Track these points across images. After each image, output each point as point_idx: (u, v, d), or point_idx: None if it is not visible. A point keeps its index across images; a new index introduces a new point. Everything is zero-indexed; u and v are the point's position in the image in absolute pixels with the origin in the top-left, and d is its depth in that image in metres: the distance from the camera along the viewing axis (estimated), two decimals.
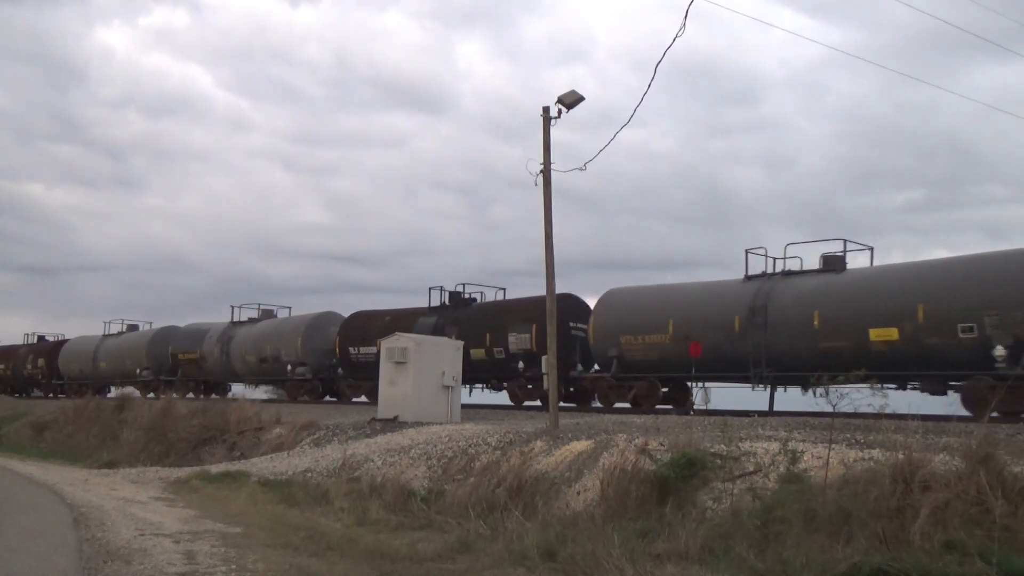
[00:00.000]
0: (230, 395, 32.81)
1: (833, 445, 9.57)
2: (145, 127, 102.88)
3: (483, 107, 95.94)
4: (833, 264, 19.62)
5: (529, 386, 24.22)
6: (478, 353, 24.58)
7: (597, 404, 23.04)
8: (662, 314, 20.82)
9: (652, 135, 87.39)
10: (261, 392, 33.27)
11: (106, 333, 42.24)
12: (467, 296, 27.62)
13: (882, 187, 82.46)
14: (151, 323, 41.91)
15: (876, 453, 9.20)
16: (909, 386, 17.62)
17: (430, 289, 27.85)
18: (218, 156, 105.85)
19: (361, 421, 19.49)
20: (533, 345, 23.36)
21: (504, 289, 27.72)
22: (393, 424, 18.48)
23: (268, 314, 34.96)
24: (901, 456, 8.25)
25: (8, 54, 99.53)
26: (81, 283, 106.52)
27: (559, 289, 16.98)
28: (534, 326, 23.16)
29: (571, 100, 15.10)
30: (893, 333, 16.93)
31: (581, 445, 12.41)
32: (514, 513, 10.40)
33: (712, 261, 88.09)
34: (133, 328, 41.75)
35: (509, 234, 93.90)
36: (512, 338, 24.10)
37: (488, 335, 24.66)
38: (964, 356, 16.08)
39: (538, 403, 23.78)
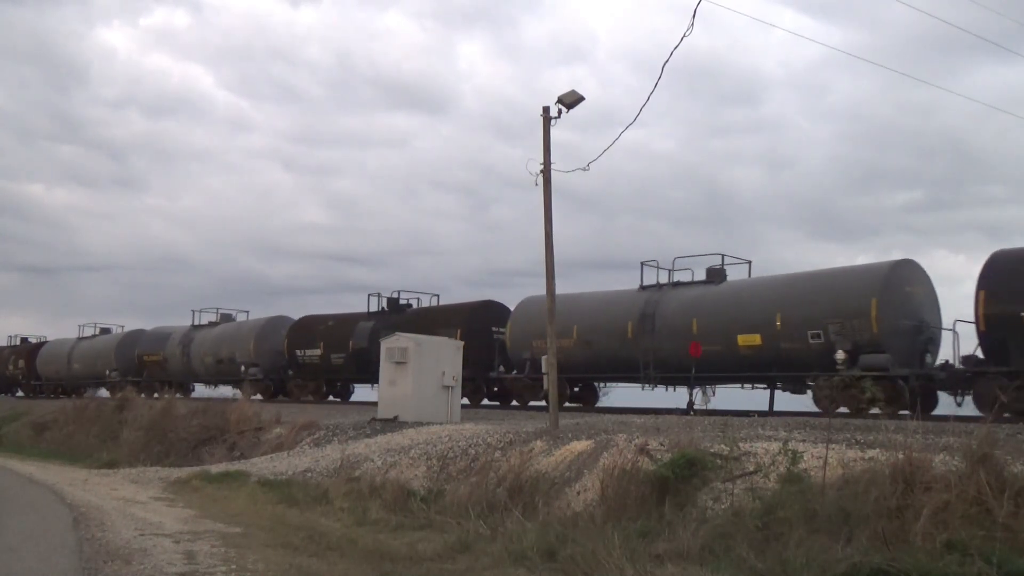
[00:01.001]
0: (193, 395, 34.65)
1: (833, 445, 9.57)
2: (146, 127, 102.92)
3: (484, 107, 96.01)
4: (713, 276, 21.93)
5: None
6: None
7: (515, 403, 24.95)
8: (568, 321, 22.04)
9: (652, 135, 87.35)
10: (221, 391, 34.42)
11: (80, 336, 44.07)
12: (404, 302, 29.66)
13: (882, 187, 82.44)
14: (128, 326, 43.45)
15: (876, 453, 9.19)
16: (779, 386, 19.87)
17: (369, 295, 29.88)
18: (219, 156, 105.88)
19: (361, 421, 19.49)
20: None
21: (438, 296, 29.98)
22: (393, 424, 18.48)
23: (227, 318, 36.70)
24: (901, 456, 8.25)
25: (9, 54, 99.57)
26: (81, 283, 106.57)
27: (559, 290, 17.35)
28: (459, 330, 24.95)
29: (571, 100, 15.09)
30: (756, 339, 19.10)
31: (581, 445, 12.40)
32: (514, 513, 10.40)
33: (712, 261, 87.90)
34: (106, 331, 43.66)
35: (509, 234, 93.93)
36: None
37: None
38: (813, 359, 18.22)
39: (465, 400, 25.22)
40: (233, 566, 8.45)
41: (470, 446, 14.08)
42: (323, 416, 21.62)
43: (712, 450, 10.29)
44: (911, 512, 7.61)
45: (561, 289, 20.80)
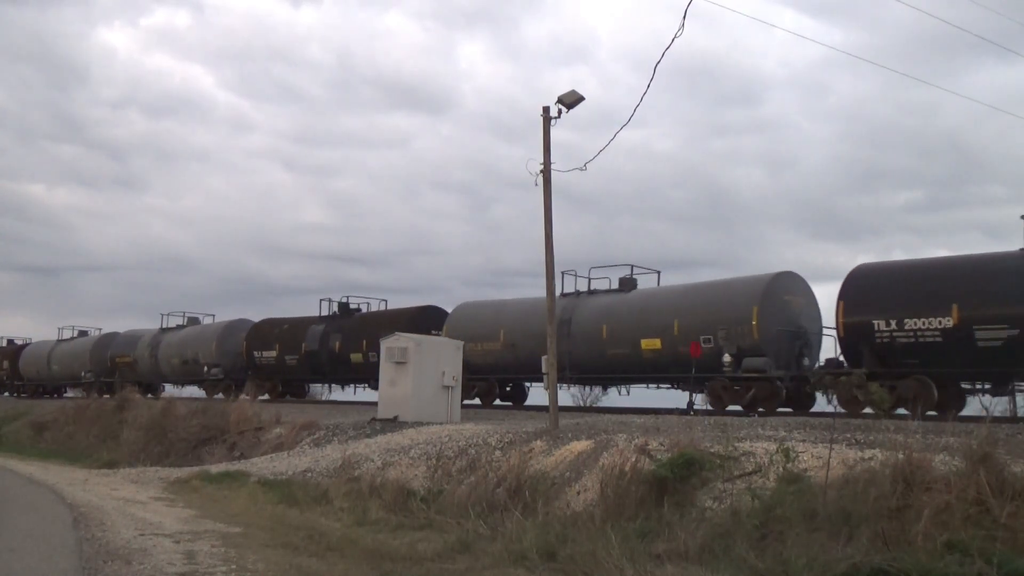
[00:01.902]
0: (163, 394, 36.06)
1: (833, 445, 9.57)
2: (146, 127, 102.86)
3: (484, 107, 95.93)
4: (625, 285, 23.66)
5: None
6: (357, 357, 28.50)
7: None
8: (496, 325, 24.55)
9: (653, 135, 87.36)
10: (188, 391, 36.59)
11: (59, 339, 45.75)
12: (355, 307, 31.17)
13: (883, 187, 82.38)
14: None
15: (876, 453, 9.19)
16: (677, 386, 21.74)
17: (320, 300, 31.55)
18: (219, 156, 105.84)
19: (361, 421, 19.49)
20: None
21: (386, 300, 31.39)
22: (393, 424, 18.48)
23: (194, 321, 38.48)
24: (901, 456, 8.25)
25: (9, 54, 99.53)
26: (82, 283, 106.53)
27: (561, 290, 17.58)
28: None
29: (571, 100, 15.09)
30: (657, 343, 20.95)
31: (581, 445, 12.40)
32: (514, 513, 10.39)
33: (712, 261, 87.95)
34: (84, 334, 45.21)
35: (510, 234, 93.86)
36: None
37: (364, 342, 27.98)
38: (706, 362, 19.98)
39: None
40: (233, 566, 8.45)
41: (470, 446, 14.08)
42: (323, 416, 21.63)
43: (712, 450, 10.29)
44: (911, 512, 7.61)
45: (560, 289, 21.24)
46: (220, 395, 31.28)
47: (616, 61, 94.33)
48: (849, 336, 17.94)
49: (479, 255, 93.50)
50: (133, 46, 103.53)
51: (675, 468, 9.80)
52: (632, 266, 23.93)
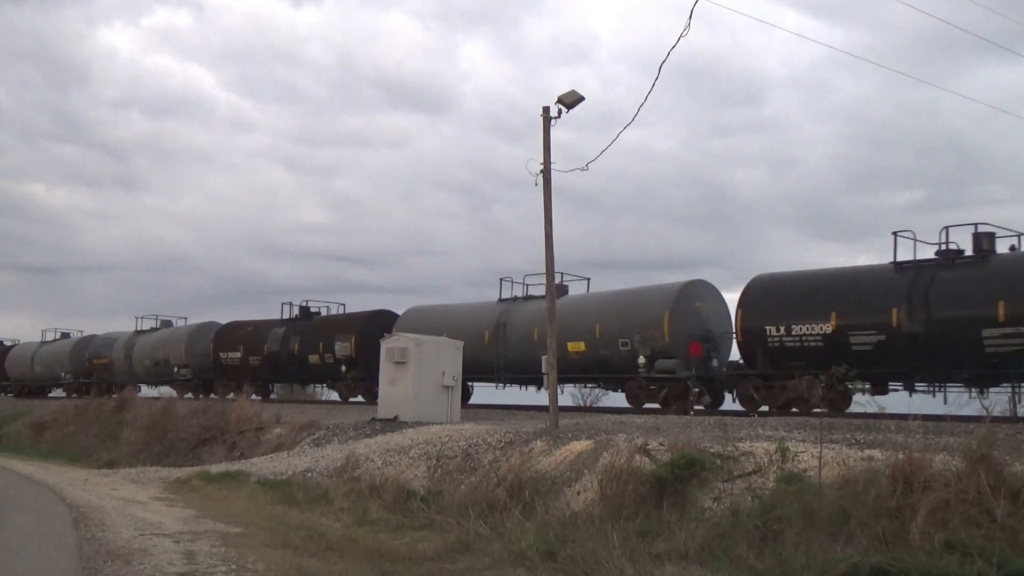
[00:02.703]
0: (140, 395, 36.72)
1: (833, 445, 9.58)
2: (147, 127, 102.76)
3: (485, 107, 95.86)
4: (557, 291, 23.58)
5: (351, 385, 29.01)
6: (314, 359, 29.74)
7: None
8: (440, 330, 25.16)
9: (654, 135, 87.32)
10: (162, 391, 37.16)
11: (42, 340, 47.00)
12: (315, 311, 32.57)
13: (884, 187, 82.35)
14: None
15: (876, 453, 9.19)
16: (601, 386, 23.48)
17: (282, 304, 33.22)
18: (220, 156, 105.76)
19: (361, 421, 19.50)
20: (353, 352, 28.15)
21: (344, 304, 32.59)
22: (393, 424, 18.48)
23: (167, 324, 39.75)
24: (901, 456, 8.25)
25: (10, 54, 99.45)
26: (83, 283, 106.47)
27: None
28: (353, 336, 28.27)
29: (571, 100, 15.09)
30: (582, 346, 22.26)
31: (581, 445, 12.41)
32: (514, 513, 10.40)
33: (713, 261, 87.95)
34: (66, 336, 46.25)
35: (510, 234, 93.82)
36: (337, 346, 28.73)
37: (321, 343, 29.52)
38: (623, 363, 21.65)
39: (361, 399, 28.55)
40: (233, 566, 8.46)
41: (470, 446, 14.08)
42: (323, 416, 21.64)
43: (711, 450, 10.29)
44: (910, 512, 7.62)
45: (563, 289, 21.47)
46: (189, 394, 32.89)
47: (616, 61, 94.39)
48: (746, 340, 19.54)
49: (479, 255, 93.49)
50: (134, 46, 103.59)
51: (675, 468, 9.81)
52: (562, 274, 25.19)
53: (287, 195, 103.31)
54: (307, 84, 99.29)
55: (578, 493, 10.97)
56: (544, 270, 15.94)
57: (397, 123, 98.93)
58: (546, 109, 15.43)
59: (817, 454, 9.48)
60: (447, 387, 19.98)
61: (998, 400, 17.20)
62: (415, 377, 19.48)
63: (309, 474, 15.06)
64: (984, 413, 14.59)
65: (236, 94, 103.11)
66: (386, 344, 20.26)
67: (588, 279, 25.60)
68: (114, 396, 34.48)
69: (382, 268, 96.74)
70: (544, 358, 17.75)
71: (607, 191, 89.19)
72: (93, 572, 8.14)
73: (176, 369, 35.59)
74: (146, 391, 38.32)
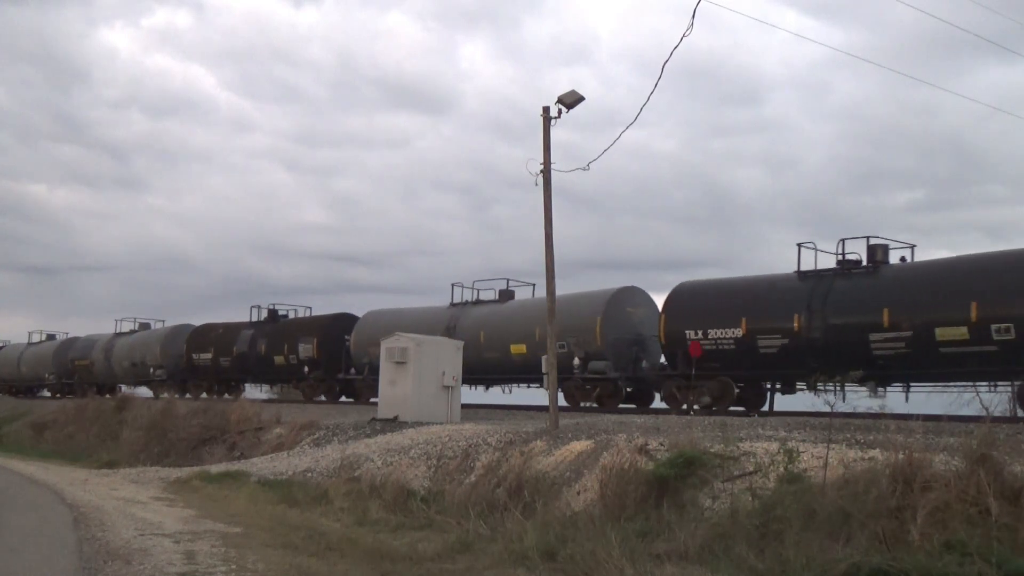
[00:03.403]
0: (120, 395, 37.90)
1: (833, 445, 9.58)
2: (148, 127, 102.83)
3: (486, 107, 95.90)
4: (502, 296, 26.92)
5: (314, 385, 30.70)
6: (280, 360, 31.43)
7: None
8: (395, 331, 26.51)
9: (654, 135, 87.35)
10: (140, 391, 38.23)
11: (29, 342, 48.79)
12: (283, 313, 34.29)
13: (884, 187, 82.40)
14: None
15: (876, 453, 9.19)
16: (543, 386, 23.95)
17: (251, 307, 34.81)
18: (220, 156, 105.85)
19: (361, 421, 19.49)
20: (315, 353, 30.02)
21: (310, 308, 34.36)
22: (393, 424, 18.47)
23: (144, 326, 41.38)
24: (901, 456, 8.25)
25: (11, 54, 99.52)
26: (83, 283, 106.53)
27: (561, 290, 18.13)
28: (316, 338, 30.23)
29: (571, 100, 15.09)
30: (523, 348, 23.72)
31: (581, 445, 12.41)
32: (514, 513, 10.39)
33: (713, 261, 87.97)
34: (51, 338, 47.69)
35: (511, 234, 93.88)
36: (301, 348, 30.56)
37: (286, 345, 31.28)
38: (561, 365, 21.82)
39: (334, 398, 30.30)
40: (233, 566, 8.46)
41: (470, 446, 14.08)
42: (323, 416, 21.63)
43: (712, 450, 10.29)
44: (911, 512, 7.61)
45: (561, 289, 21.57)
46: (165, 394, 33.83)
47: (617, 62, 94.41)
48: (669, 343, 20.93)
49: (479, 255, 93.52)
50: (134, 46, 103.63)
51: (674, 468, 9.81)
52: (507, 280, 27.36)
53: (287, 195, 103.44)
54: (307, 84, 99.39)
55: (578, 493, 10.97)
56: (544, 270, 15.91)
57: (397, 123, 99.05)
58: (546, 109, 15.43)
59: (817, 454, 9.49)
60: (447, 387, 19.97)
61: (999, 400, 17.32)
62: (415, 377, 19.47)
63: (309, 474, 15.06)
64: (984, 413, 14.68)
65: (236, 94, 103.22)
66: (386, 344, 20.26)
67: (533, 285, 27.11)
68: (96, 396, 35.86)
69: (382, 268, 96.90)
70: (538, 358, 18.36)
71: (607, 191, 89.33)
72: (93, 572, 8.14)
73: (152, 370, 36.92)
74: (127, 391, 39.25)
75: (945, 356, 16.77)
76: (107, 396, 36.02)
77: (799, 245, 19.71)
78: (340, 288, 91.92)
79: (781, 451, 9.58)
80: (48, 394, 44.09)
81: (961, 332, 16.50)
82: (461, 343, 21.76)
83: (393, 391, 19.80)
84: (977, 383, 16.05)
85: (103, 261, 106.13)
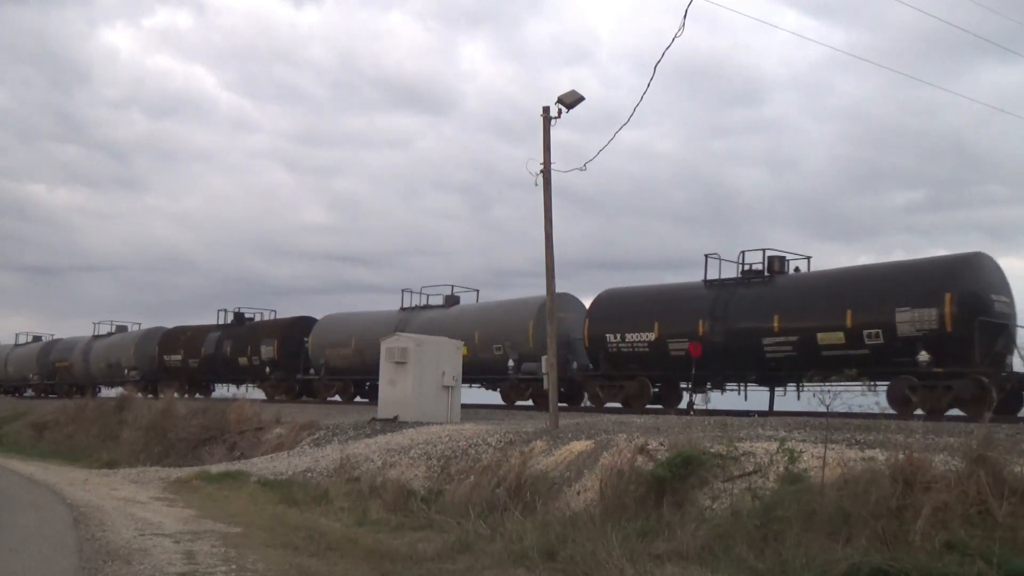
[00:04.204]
0: (100, 395, 40.65)
1: (833, 445, 9.57)
2: (148, 128, 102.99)
3: (486, 108, 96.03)
4: (448, 302, 29.15)
5: (275, 384, 32.42)
6: (243, 361, 33.44)
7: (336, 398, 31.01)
8: (347, 334, 30.02)
9: (654, 136, 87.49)
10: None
11: (16, 343, 50.84)
12: (249, 317, 36.17)
13: (884, 187, 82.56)
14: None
15: (876, 453, 9.19)
16: (485, 386, 26.66)
17: (218, 310, 36.87)
18: (221, 156, 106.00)
19: (361, 421, 19.48)
20: (276, 355, 32.11)
21: (275, 311, 36.28)
22: (393, 424, 18.46)
23: (121, 329, 43.23)
24: (901, 456, 8.24)
25: (12, 54, 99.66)
26: (83, 283, 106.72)
27: (561, 289, 18.40)
28: (276, 340, 32.39)
29: (571, 100, 15.09)
30: (465, 350, 24.10)
31: (581, 445, 12.40)
32: (514, 513, 10.39)
33: (464, 288, 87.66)
34: (37, 339, 49.67)
35: (511, 234, 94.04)
36: (263, 349, 32.62)
37: (249, 347, 33.30)
38: (497, 365, 25.06)
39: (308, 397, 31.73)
40: (233, 566, 8.45)
41: (470, 446, 14.08)
42: (323, 416, 21.63)
43: (711, 450, 10.29)
44: (911, 512, 7.61)
45: (562, 288, 21.85)
46: (139, 394, 35.16)
47: (617, 62, 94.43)
48: (592, 346, 22.69)
49: (480, 255, 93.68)
50: (135, 46, 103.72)
51: (674, 468, 9.80)
52: (452, 286, 29.42)
53: (288, 195, 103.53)
54: (308, 84, 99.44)
55: (578, 493, 10.97)
56: (544, 270, 15.91)
57: (398, 123, 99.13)
58: (546, 109, 15.43)
59: (817, 454, 9.47)
60: (447, 387, 19.97)
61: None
62: (415, 377, 19.47)
63: (309, 474, 15.05)
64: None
65: (237, 94, 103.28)
66: (386, 344, 20.26)
67: (477, 291, 29.31)
68: (76, 396, 38.71)
69: (383, 268, 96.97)
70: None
71: (608, 191, 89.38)
72: (93, 572, 8.14)
73: (127, 371, 38.56)
74: (106, 392, 41.06)
75: (826, 359, 18.02)
76: (88, 396, 37.29)
77: (706, 256, 21.34)
78: (340, 288, 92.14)
79: (780, 451, 9.58)
80: (32, 394, 45.95)
81: (838, 337, 18.26)
82: (461, 343, 21.80)
83: (393, 391, 19.79)
84: (854, 383, 16.69)
85: (103, 261, 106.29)
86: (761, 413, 18.25)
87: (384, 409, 19.81)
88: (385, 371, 20.08)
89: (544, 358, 21.94)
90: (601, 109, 73.90)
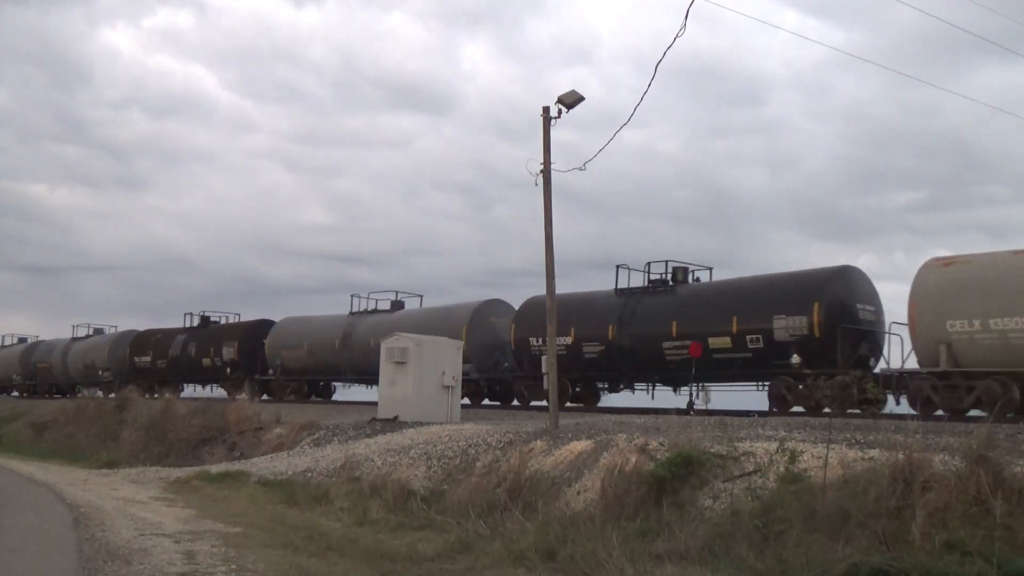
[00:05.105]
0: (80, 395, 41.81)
1: (833, 445, 9.57)
2: (149, 128, 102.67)
3: (487, 108, 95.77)
4: (393, 307, 30.90)
5: (236, 384, 32.32)
6: (207, 362, 35.41)
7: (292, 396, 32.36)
8: (301, 337, 32.21)
9: (655, 136, 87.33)
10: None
11: (2, 345, 52.73)
12: (215, 320, 37.93)
13: (885, 187, 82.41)
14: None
15: (876, 453, 9.19)
16: None
17: (185, 314, 38.52)
18: (221, 157, 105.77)
19: (361, 421, 19.48)
20: (236, 355, 34.09)
21: (239, 314, 38.06)
22: (393, 424, 18.46)
23: (99, 331, 45.12)
24: (901, 456, 8.25)
25: (12, 54, 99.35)
26: (84, 283, 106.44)
27: (562, 289, 18.67)
28: (236, 342, 34.51)
29: (571, 100, 15.09)
30: None
31: (581, 445, 12.40)
32: (514, 513, 10.39)
33: (714, 261, 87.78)
34: (23, 341, 51.55)
35: (511, 234, 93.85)
36: (224, 351, 34.56)
37: (212, 348, 35.35)
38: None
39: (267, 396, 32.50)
40: (233, 566, 8.46)
41: (470, 446, 14.07)
42: (323, 416, 21.63)
43: (712, 450, 10.29)
44: (911, 512, 7.61)
45: (561, 288, 21.95)
46: (113, 394, 36.21)
47: (618, 62, 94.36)
48: (517, 349, 24.47)
49: (480, 255, 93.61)
50: (136, 47, 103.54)
51: (673, 468, 9.80)
52: (397, 292, 31.38)
53: (288, 195, 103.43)
54: (308, 84, 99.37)
55: (578, 493, 10.97)
56: (544, 270, 15.90)
57: (398, 123, 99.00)
58: (546, 109, 15.43)
59: (817, 454, 9.48)
60: (447, 387, 19.96)
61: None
62: (415, 377, 19.46)
63: (309, 474, 15.06)
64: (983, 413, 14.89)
65: (237, 94, 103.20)
66: (386, 344, 20.26)
67: (421, 296, 31.42)
68: (56, 396, 42.05)
69: (383, 268, 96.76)
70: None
71: (608, 191, 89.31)
72: (93, 572, 8.14)
73: (100, 372, 40.46)
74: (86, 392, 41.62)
75: (716, 361, 20.43)
76: (67, 396, 40.04)
77: (617, 267, 23.28)
78: (341, 288, 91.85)
79: (779, 450, 9.58)
80: (16, 394, 47.80)
81: (726, 341, 20.22)
82: (461, 343, 21.83)
83: (393, 391, 19.79)
84: (747, 384, 20.89)
85: (103, 261, 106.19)
86: (761, 413, 18.30)
87: (384, 409, 19.80)
88: (385, 371, 20.07)
89: (472, 364, 24.01)
90: (601, 109, 73.85)
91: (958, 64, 78.30)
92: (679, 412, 18.73)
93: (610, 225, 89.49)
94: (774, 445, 10.04)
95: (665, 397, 22.95)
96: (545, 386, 20.96)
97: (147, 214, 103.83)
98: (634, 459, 10.61)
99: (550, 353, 15.78)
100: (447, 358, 20.22)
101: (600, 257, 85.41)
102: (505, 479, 11.76)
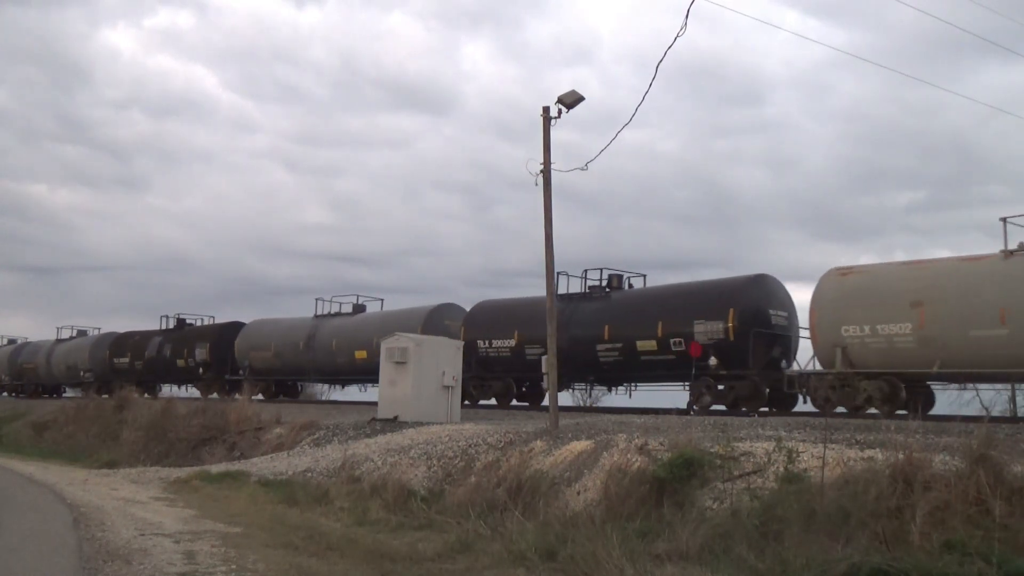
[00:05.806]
0: (66, 395, 44.64)
1: (833, 445, 9.58)
2: (149, 128, 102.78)
3: (487, 108, 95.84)
4: (355, 310, 31.79)
5: (208, 384, 34.88)
6: (181, 362, 36.61)
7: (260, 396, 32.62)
8: (268, 339, 33.45)
9: (655, 136, 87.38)
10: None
11: None
12: (190, 322, 39.04)
13: (885, 187, 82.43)
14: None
15: (875, 453, 9.19)
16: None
17: (161, 316, 40.03)
18: (222, 157, 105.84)
19: (361, 421, 19.48)
20: (208, 357, 35.24)
21: (214, 316, 39.04)
22: (393, 424, 18.46)
23: (82, 333, 46.24)
24: (901, 456, 8.25)
25: (13, 55, 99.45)
26: (84, 283, 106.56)
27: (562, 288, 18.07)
28: (209, 344, 35.59)
29: (571, 100, 15.08)
30: (364, 353, 27.87)
31: (581, 445, 12.40)
32: (514, 513, 10.39)
33: (715, 261, 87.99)
34: (12, 342, 52.74)
35: (512, 234, 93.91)
36: (197, 352, 35.80)
37: (185, 350, 36.59)
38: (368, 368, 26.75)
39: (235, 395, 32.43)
40: (233, 566, 8.46)
41: (470, 446, 14.07)
42: (323, 416, 21.63)
43: (712, 450, 10.29)
44: (910, 512, 7.61)
45: (562, 288, 21.97)
46: (95, 394, 37.17)
47: (619, 62, 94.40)
48: (467, 350, 24.00)
49: (480, 255, 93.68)
50: (136, 47, 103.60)
51: (674, 468, 9.81)
52: (358, 295, 32.39)
53: (289, 195, 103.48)
54: (309, 84, 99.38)
55: (578, 493, 10.96)
56: (544, 270, 15.89)
57: (399, 123, 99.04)
58: (546, 109, 15.42)
59: (817, 454, 9.48)
60: (447, 387, 19.96)
61: (998, 399, 18.78)
62: (415, 377, 19.45)
63: (309, 474, 15.06)
64: (983, 413, 14.95)
65: (238, 94, 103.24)
66: (386, 344, 20.25)
67: (382, 300, 32.18)
68: (44, 396, 43.74)
69: (383, 268, 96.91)
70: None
71: (609, 191, 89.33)
72: (93, 572, 8.14)
73: (82, 372, 41.75)
74: (70, 393, 44.35)
75: (644, 363, 21.76)
76: (52, 396, 42.03)
77: (558, 273, 23.39)
78: (341, 288, 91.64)
79: (778, 450, 9.58)
80: (5, 394, 49.23)
81: (652, 345, 21.43)
82: (461, 343, 21.83)
83: (393, 391, 19.78)
84: (674, 384, 21.98)
85: (103, 261, 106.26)
86: (761, 413, 18.33)
87: (384, 409, 19.80)
88: (385, 371, 20.07)
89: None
90: (602, 109, 73.87)
91: (958, 64, 78.37)
92: (679, 412, 18.76)
93: (610, 225, 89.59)
94: (774, 445, 10.04)
95: (665, 397, 22.87)
96: (545, 385, 21.10)
97: (147, 214, 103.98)
98: (634, 459, 10.61)
99: (550, 353, 15.76)
100: (447, 358, 20.22)
101: (600, 257, 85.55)
102: (505, 479, 11.76)
